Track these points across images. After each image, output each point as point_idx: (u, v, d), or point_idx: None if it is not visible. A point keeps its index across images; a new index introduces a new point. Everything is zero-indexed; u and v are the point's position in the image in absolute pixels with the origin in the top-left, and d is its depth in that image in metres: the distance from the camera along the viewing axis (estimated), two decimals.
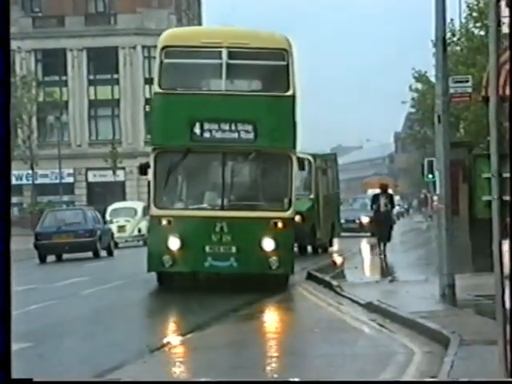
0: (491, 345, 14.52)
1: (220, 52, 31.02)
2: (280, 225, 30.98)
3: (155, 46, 31.59)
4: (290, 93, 31.26)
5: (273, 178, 31.99)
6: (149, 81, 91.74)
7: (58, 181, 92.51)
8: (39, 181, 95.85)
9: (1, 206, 9.32)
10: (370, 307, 25.12)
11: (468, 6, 56.58)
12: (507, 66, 25.18)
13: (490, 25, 13.29)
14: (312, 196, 47.92)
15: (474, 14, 55.84)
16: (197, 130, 30.99)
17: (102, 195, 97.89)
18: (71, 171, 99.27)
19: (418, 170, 55.66)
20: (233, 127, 31.05)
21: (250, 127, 31.06)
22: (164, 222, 30.92)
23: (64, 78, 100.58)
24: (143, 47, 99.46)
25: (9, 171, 9.27)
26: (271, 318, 26.89)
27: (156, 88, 31.53)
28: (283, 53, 31.19)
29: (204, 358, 19.55)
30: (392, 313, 23.12)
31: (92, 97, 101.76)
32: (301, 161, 31.96)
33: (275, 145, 31.09)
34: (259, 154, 30.99)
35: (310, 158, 45.96)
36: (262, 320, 25.94)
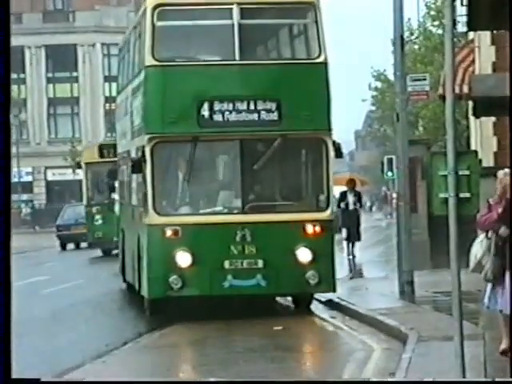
0: (448, 341, 13.96)
1: (230, 10, 22.48)
2: (317, 229, 22.55)
3: (115, 44, 22.84)
4: (321, 59, 22.69)
5: (304, 171, 23.48)
6: (109, 78, 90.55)
7: (16, 179, 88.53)
8: None
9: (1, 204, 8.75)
10: (330, 304, 24.27)
11: (426, 5, 56.61)
12: (464, 65, 27.49)
13: (445, 24, 12.97)
14: None
15: (432, 13, 55.75)
16: (205, 112, 22.46)
17: (61, 194, 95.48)
18: (30, 170, 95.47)
19: (378, 168, 53.03)
20: (251, 106, 22.51)
21: (272, 105, 22.55)
22: (169, 232, 22.29)
23: (22, 75, 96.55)
24: (102, 45, 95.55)
25: (9, 170, 8.51)
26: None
27: (148, 59, 22.64)
28: (311, 8, 22.65)
29: (164, 356, 19.28)
30: (352, 310, 22.45)
31: (51, 95, 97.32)
32: (338, 146, 22.94)
33: (305, 127, 22.61)
34: (286, 139, 22.50)
35: None
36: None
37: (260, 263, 22.24)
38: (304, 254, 22.29)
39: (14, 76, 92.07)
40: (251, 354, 18.67)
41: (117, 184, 31.33)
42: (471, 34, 27.51)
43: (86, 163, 44.81)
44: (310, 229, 22.32)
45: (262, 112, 22.32)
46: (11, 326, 9.22)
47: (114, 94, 74.69)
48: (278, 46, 23.41)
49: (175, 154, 22.75)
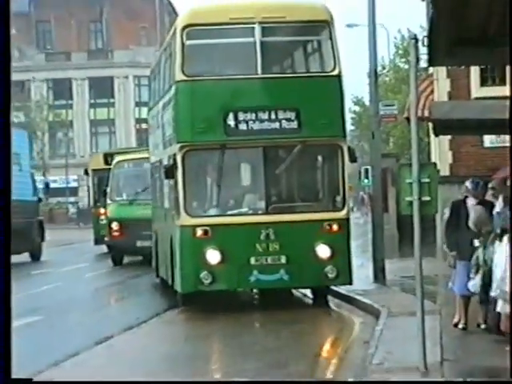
0: (412, 315, 13.57)
1: (252, 29, 19.59)
2: (335, 227, 19.64)
3: (144, 76, 19.91)
4: (336, 72, 19.85)
5: (322, 174, 20.46)
6: (139, 104, 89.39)
7: (65, 185, 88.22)
8: (50, 185, 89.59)
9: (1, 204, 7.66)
10: None
11: (395, 45, 57.11)
12: (425, 94, 26.82)
13: (410, 60, 12.81)
14: None
15: (400, 52, 56.22)
16: (231, 122, 19.57)
17: None
18: (76, 177, 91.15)
19: (357, 176, 49.43)
20: (273, 116, 19.59)
21: (292, 115, 19.65)
22: (199, 232, 19.45)
23: (70, 102, 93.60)
24: (134, 77, 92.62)
25: (9, 172, 7.47)
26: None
27: (179, 75, 19.80)
28: (326, 26, 19.86)
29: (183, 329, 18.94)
30: (334, 291, 21.09)
31: (92, 117, 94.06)
32: (352, 151, 20.15)
33: (323, 134, 19.66)
34: (305, 145, 19.65)
35: None
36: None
37: (283, 259, 19.42)
38: (323, 250, 19.48)
39: (63, 102, 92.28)
40: (255, 325, 18.86)
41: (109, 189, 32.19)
42: (431, 69, 27.32)
43: (93, 170, 41.89)
44: (327, 227, 19.54)
45: (283, 121, 19.55)
46: (11, 326, 7.83)
47: (143, 116, 73.99)
48: (297, 60, 20.72)
49: (204, 161, 20.05)
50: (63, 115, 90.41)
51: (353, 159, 19.90)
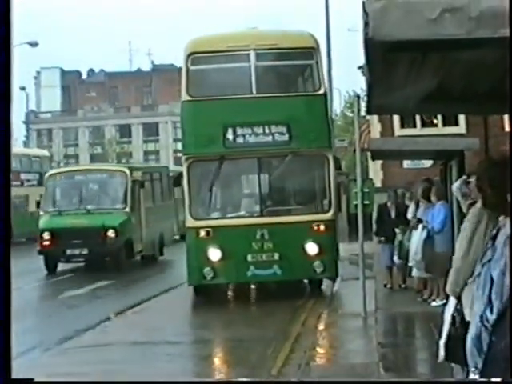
0: (356, 280, 12.81)
1: (248, 55, 14.13)
2: (322, 227, 14.10)
3: (179, 121, 14.31)
4: (321, 91, 14.31)
5: (311, 180, 14.79)
6: (175, 140, 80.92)
7: None
8: None
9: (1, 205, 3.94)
10: None
11: (345, 101, 54.46)
12: (365, 132, 26.10)
13: (354, 111, 12.77)
14: (127, 209, 21.48)
15: (348, 105, 52.45)
16: (229, 136, 14.09)
17: None
18: None
19: None
20: (266, 130, 14.10)
21: (283, 129, 14.13)
22: (202, 233, 13.97)
23: (130, 139, 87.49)
24: (172, 122, 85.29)
25: (8, 174, 3.69)
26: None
27: (184, 96, 14.38)
28: (312, 51, 14.33)
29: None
30: None
31: (145, 149, 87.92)
32: (337, 160, 14.71)
33: (311, 145, 14.12)
34: (295, 155, 14.14)
35: (126, 170, 22.56)
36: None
37: (276, 256, 13.97)
38: (311, 248, 14.02)
39: (125, 139, 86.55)
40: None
41: None
42: (368, 116, 25.38)
43: None
44: (315, 227, 14.05)
45: (276, 134, 14.08)
46: (11, 326, 3.63)
47: (178, 147, 68.40)
48: (287, 81, 15.08)
49: (206, 170, 14.38)
50: (125, 148, 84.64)
51: (337, 167, 14.37)
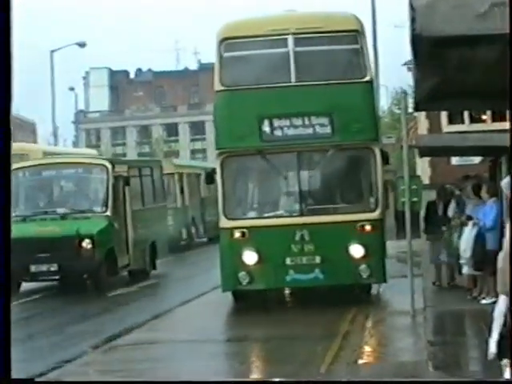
0: (404, 278, 12.14)
1: (286, 40, 12.78)
2: (368, 228, 12.69)
3: None
4: (367, 78, 12.89)
5: (355, 176, 13.38)
6: None
7: None
8: None
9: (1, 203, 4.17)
10: None
11: (392, 98, 53.47)
12: (412, 129, 25.21)
13: (401, 108, 12.33)
14: (108, 213, 16.68)
15: (395, 102, 51.63)
16: (266, 129, 12.73)
17: None
18: None
19: None
20: (306, 122, 12.71)
21: (325, 120, 12.72)
22: (237, 234, 12.66)
23: (177, 138, 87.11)
24: None
25: (8, 175, 4.06)
26: None
27: (218, 86, 13.09)
28: (356, 35, 12.92)
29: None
30: None
31: (192, 148, 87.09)
32: (385, 154, 13.25)
33: (355, 138, 12.71)
34: (338, 149, 12.76)
35: (107, 164, 17.36)
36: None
37: (317, 259, 12.62)
38: (356, 250, 12.64)
39: (172, 138, 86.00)
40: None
41: None
42: (415, 113, 24.97)
43: None
44: (361, 227, 12.67)
45: (317, 126, 12.72)
46: (11, 326, 4.11)
47: None
48: (329, 68, 13.43)
49: (241, 166, 13.22)
50: (173, 147, 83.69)
51: (385, 161, 12.97)
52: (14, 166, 15.82)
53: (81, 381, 8.87)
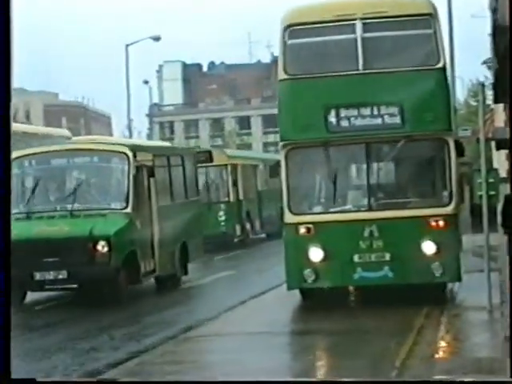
0: (481, 272, 11.64)
1: (353, 25, 12.07)
2: (441, 223, 11.85)
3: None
4: (440, 65, 12.03)
5: (427, 169, 12.52)
6: None
7: None
8: None
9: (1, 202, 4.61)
10: None
11: (468, 90, 52.83)
12: (488, 121, 22.94)
13: (479, 99, 11.45)
14: (128, 210, 14.02)
15: (471, 94, 51.42)
16: (332, 119, 12.00)
17: None
18: None
19: None
20: (375, 111, 11.94)
21: (395, 110, 11.92)
22: (302, 230, 12.00)
23: (249, 131, 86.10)
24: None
25: (9, 172, 4.45)
26: None
27: (281, 74, 12.46)
28: (429, 19, 12.07)
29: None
30: None
31: (264, 140, 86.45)
32: (459, 145, 12.41)
33: (428, 128, 11.89)
34: (409, 140, 11.93)
35: (127, 151, 14.48)
36: None
37: (387, 256, 11.86)
38: (429, 247, 11.82)
39: (245, 131, 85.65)
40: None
41: None
42: (492, 105, 23.74)
43: None
44: (433, 223, 11.85)
45: (386, 116, 11.93)
46: (11, 327, 4.39)
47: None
48: (399, 54, 12.63)
49: (307, 159, 12.45)
50: (245, 140, 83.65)
51: (460, 153, 12.15)
52: (18, 152, 14.11)
53: (86, 381, 8.64)
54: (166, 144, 23.52)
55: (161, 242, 15.00)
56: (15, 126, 23.58)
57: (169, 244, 15.37)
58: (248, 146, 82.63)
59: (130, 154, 14.31)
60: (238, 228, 24.38)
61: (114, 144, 15.39)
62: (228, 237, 23.01)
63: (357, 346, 9.49)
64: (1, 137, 4.95)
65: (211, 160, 22.25)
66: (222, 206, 22.75)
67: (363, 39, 11.96)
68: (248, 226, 25.07)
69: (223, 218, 22.68)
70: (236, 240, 24.20)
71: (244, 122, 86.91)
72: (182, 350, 9.93)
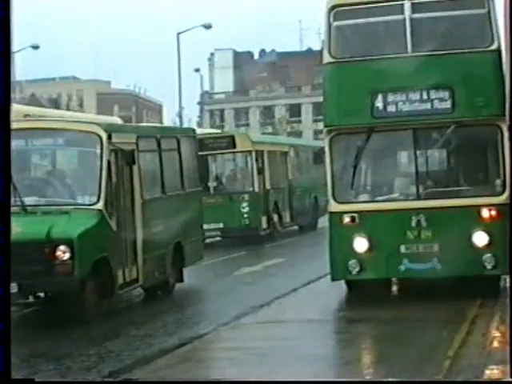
0: None
1: (402, 6, 11.48)
2: (494, 213, 11.20)
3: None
4: (494, 47, 11.40)
5: (478, 156, 11.97)
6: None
7: None
8: None
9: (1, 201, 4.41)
10: None
11: None
12: None
13: None
14: (99, 206, 10.80)
15: None
16: (379, 104, 11.46)
17: None
18: None
19: None
20: (424, 96, 11.36)
21: (445, 94, 11.32)
22: (347, 219, 11.51)
23: (300, 118, 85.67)
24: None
25: (9, 170, 4.31)
26: None
27: (327, 58, 11.97)
28: None
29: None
30: None
31: (315, 128, 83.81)
32: None
33: (479, 114, 11.27)
34: (460, 126, 11.30)
35: (100, 131, 11.18)
36: None
37: (436, 247, 11.29)
38: (480, 238, 11.22)
39: (295, 119, 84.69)
40: None
41: None
42: None
43: None
44: (485, 213, 11.24)
45: (435, 101, 11.35)
46: (11, 327, 4.30)
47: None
48: (450, 36, 12.09)
49: (352, 145, 11.84)
50: (296, 127, 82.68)
51: None
52: None
53: (82, 381, 8.19)
54: (160, 125, 22.29)
55: (146, 244, 12.02)
56: (68, 114, 22.16)
57: (157, 246, 12.48)
58: (298, 134, 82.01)
59: (104, 135, 11.16)
60: (263, 220, 21.82)
61: (84, 123, 12.32)
62: (252, 230, 20.85)
63: (409, 335, 9.26)
64: (1, 133, 4.54)
65: (234, 146, 20.65)
66: (246, 196, 20.70)
67: (412, 20, 11.38)
68: (276, 217, 22.50)
69: (246, 210, 20.66)
70: (262, 233, 21.63)
71: (294, 110, 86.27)
72: (234, 336, 9.90)
